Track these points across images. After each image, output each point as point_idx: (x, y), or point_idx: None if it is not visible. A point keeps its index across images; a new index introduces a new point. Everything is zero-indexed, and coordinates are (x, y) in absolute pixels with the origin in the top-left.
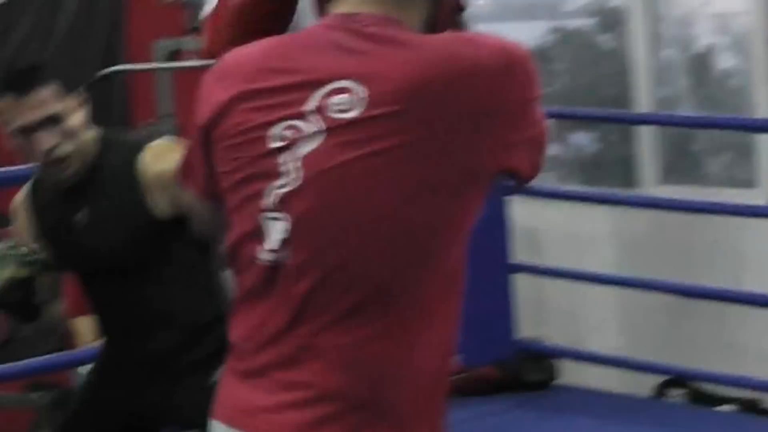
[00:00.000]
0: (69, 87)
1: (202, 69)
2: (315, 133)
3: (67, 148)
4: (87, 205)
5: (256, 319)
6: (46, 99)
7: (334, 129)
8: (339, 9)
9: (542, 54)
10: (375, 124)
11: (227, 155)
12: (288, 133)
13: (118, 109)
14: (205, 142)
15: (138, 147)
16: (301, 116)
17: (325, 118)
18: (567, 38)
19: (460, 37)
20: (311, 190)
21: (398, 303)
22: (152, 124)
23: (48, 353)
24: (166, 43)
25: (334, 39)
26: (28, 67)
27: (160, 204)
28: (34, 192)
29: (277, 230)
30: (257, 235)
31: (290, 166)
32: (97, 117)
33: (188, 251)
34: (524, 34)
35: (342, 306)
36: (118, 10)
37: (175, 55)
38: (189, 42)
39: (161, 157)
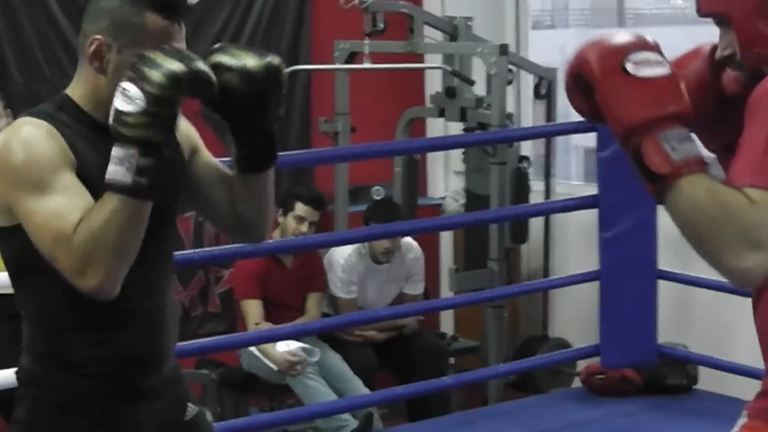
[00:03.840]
0: None
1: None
2: None
3: None
4: None
5: None
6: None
7: None
8: None
9: None
10: None
11: None
12: None
13: (300, 105)
14: None
15: None
16: None
17: None
18: None
19: None
20: None
21: None
22: (328, 121)
23: (217, 333)
24: (345, 45)
25: None
26: None
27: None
28: (60, 131)
29: None
30: None
31: None
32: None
33: None
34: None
35: None
36: (303, 11)
37: (353, 56)
38: (366, 45)
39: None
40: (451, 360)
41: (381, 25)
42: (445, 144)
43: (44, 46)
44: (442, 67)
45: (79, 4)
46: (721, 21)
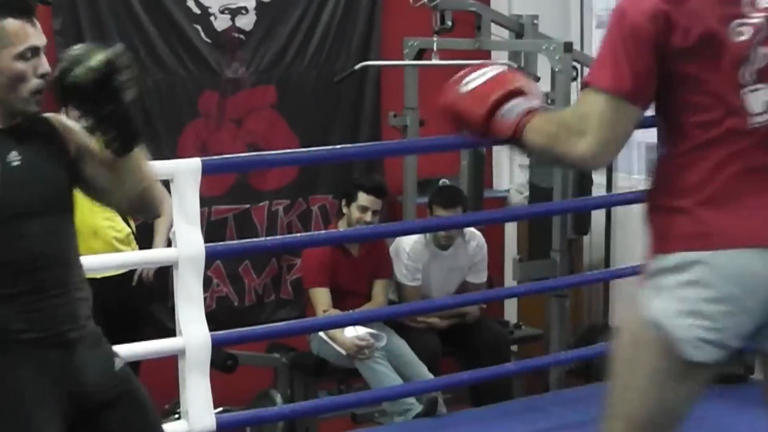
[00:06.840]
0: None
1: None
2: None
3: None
4: (17, 149)
5: None
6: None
7: None
8: None
9: None
10: None
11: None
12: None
13: (370, 99)
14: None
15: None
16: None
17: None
18: None
19: None
20: None
21: None
22: (398, 116)
23: (289, 319)
24: (414, 42)
25: None
26: None
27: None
28: None
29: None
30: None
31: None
32: (351, 105)
33: None
34: None
35: None
36: (374, 10)
37: (422, 53)
38: (435, 42)
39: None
40: (514, 347)
41: (449, 23)
42: None
43: (126, 45)
44: (509, 64)
45: (161, 6)
46: None
